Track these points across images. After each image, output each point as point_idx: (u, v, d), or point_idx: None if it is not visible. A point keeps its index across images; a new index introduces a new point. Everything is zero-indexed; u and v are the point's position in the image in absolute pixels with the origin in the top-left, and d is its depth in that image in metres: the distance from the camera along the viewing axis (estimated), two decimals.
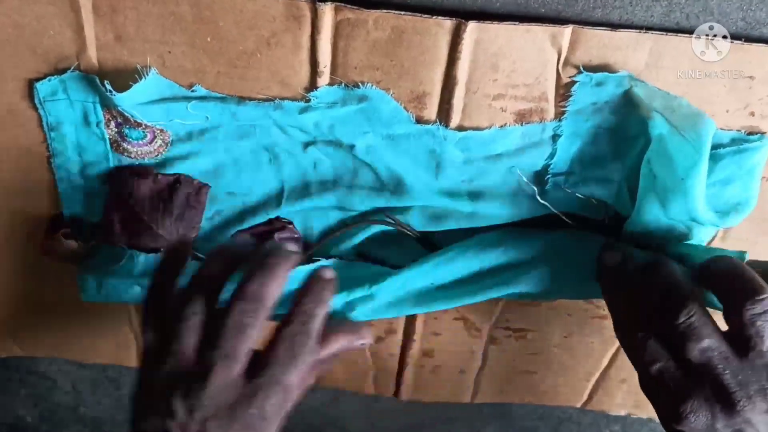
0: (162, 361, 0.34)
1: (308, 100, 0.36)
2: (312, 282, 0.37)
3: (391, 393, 0.53)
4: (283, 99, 0.36)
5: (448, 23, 0.34)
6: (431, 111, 0.37)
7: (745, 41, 0.35)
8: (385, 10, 0.34)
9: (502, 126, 0.37)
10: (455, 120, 0.37)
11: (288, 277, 0.35)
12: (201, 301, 0.35)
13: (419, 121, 0.37)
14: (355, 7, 0.34)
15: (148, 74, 0.35)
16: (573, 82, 0.36)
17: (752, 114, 0.37)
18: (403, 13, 0.34)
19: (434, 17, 0.34)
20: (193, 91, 0.36)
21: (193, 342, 0.34)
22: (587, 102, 0.36)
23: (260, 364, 0.34)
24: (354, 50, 0.35)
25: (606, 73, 0.35)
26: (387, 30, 0.34)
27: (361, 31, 0.34)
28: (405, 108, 0.37)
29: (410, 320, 0.48)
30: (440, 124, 0.37)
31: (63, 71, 0.36)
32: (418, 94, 0.36)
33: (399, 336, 0.49)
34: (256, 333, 0.34)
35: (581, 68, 0.35)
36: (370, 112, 0.37)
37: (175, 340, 0.34)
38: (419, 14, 0.34)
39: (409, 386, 0.52)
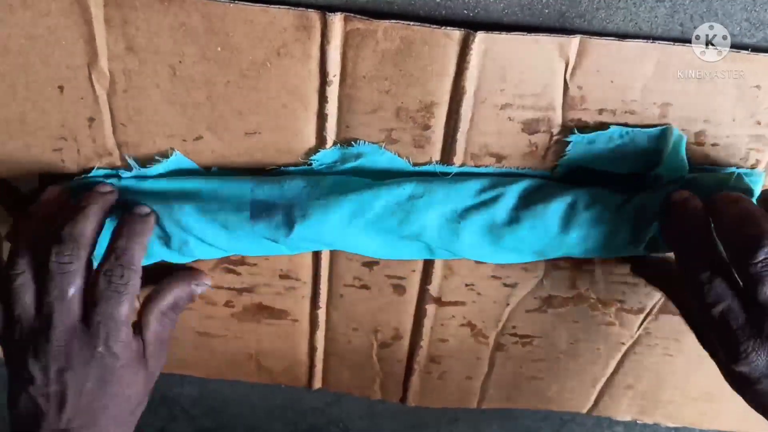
0: (11, 329, 0.36)
1: (310, 164, 0.38)
2: (124, 219, 0.37)
3: (398, 399, 0.53)
4: (287, 166, 0.39)
5: (456, 34, 0.34)
6: (440, 121, 0.37)
7: (752, 51, 0.35)
8: (394, 21, 0.34)
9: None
10: (463, 129, 0.37)
11: (97, 215, 0.37)
12: (24, 256, 0.36)
13: (417, 164, 0.39)
14: (364, 18, 0.34)
15: (171, 156, 0.38)
16: (580, 93, 0.36)
17: (758, 123, 0.37)
18: (412, 23, 0.34)
19: (443, 28, 0.34)
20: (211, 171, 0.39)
21: (29, 299, 0.35)
22: (580, 155, 0.38)
23: (90, 306, 0.36)
24: (363, 60, 0.35)
25: (598, 132, 0.37)
26: (396, 40, 0.34)
27: (370, 41, 0.35)
28: (403, 156, 0.38)
29: (417, 326, 0.48)
30: (439, 162, 0.39)
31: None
32: (427, 104, 0.36)
33: (406, 342, 0.49)
34: (79, 271, 0.35)
35: (574, 130, 0.37)
36: (368, 165, 0.39)
37: (12, 304, 0.35)
38: (428, 25, 0.34)
39: (416, 392, 0.52)
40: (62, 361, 0.35)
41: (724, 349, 0.34)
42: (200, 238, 0.39)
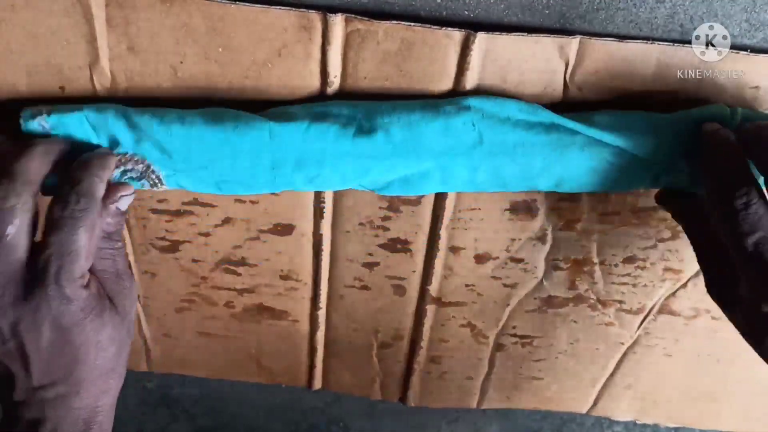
0: None
1: None
2: (83, 157, 0.35)
3: (398, 399, 0.53)
4: None
5: (457, 35, 0.34)
6: None
7: (750, 51, 0.35)
8: (394, 22, 0.34)
9: None
10: None
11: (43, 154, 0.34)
12: None
13: None
14: (365, 19, 0.34)
15: None
16: (581, 94, 0.36)
17: None
18: (412, 24, 0.34)
19: (444, 29, 0.34)
20: None
21: None
22: None
23: (43, 240, 0.32)
24: (364, 61, 0.35)
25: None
26: (397, 41, 0.35)
27: (371, 42, 0.35)
28: None
29: (417, 326, 0.48)
30: None
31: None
32: None
33: (406, 342, 0.49)
34: (19, 208, 0.32)
35: None
36: None
37: None
38: (429, 26, 0.34)
39: (416, 392, 0.52)
40: (11, 315, 0.32)
41: (754, 284, 0.32)
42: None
